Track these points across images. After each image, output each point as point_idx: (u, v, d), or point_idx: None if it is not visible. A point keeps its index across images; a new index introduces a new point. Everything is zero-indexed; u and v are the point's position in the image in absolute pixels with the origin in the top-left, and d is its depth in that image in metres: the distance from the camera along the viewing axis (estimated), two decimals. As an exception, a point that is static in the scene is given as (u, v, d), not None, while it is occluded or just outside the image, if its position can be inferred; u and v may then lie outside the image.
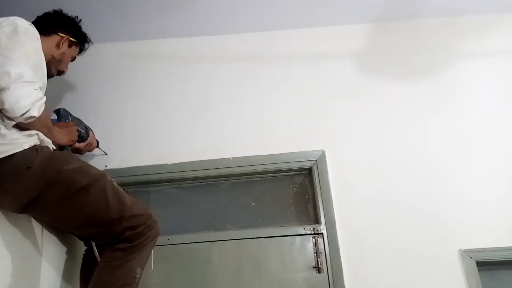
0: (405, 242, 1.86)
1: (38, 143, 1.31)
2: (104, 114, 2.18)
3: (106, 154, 2.09)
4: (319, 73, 2.21)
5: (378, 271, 1.83)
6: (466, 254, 1.82)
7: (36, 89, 1.28)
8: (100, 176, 1.36)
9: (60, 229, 1.50)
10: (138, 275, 1.34)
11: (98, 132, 2.03)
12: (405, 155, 2.02)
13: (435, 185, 1.96)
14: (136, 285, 1.35)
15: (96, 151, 2.04)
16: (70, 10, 1.78)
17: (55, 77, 2.15)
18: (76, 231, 1.43)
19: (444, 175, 1.97)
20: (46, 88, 2.07)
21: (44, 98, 1.32)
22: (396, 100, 2.14)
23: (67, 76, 2.19)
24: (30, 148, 1.26)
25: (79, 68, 2.23)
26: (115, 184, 1.42)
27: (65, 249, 1.67)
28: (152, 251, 1.85)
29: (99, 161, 2.08)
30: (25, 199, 1.25)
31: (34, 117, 1.26)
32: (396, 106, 2.13)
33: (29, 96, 1.25)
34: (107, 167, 2.07)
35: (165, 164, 2.06)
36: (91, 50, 2.23)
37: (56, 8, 1.75)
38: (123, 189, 2.06)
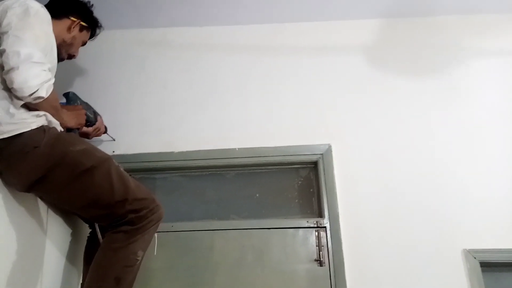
0: (408, 239, 1.85)
1: (46, 124, 1.32)
2: (113, 100, 2.19)
3: (114, 140, 2.10)
4: (327, 66, 2.20)
5: (380, 267, 1.82)
6: (470, 254, 1.80)
7: (44, 70, 1.30)
8: (106, 159, 1.38)
9: (65, 210, 1.52)
10: (139, 258, 1.35)
11: (106, 118, 2.03)
12: (411, 151, 2.01)
13: (440, 183, 1.94)
14: (137, 267, 1.37)
15: (104, 136, 2.06)
16: None
17: (66, 62, 2.17)
18: (81, 212, 1.45)
19: (450, 173, 1.96)
20: (56, 72, 2.11)
21: (53, 80, 1.34)
22: (404, 95, 2.12)
23: (77, 61, 2.23)
24: (37, 128, 1.28)
25: (90, 54, 2.26)
26: (120, 168, 1.42)
27: (70, 230, 1.69)
28: (156, 236, 1.88)
29: (106, 147, 2.10)
30: (31, 178, 1.27)
31: (42, 97, 1.28)
32: (404, 101, 2.11)
33: (38, 76, 1.27)
34: (115, 153, 2.08)
35: (172, 152, 2.07)
36: (101, 37, 2.25)
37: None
38: (129, 175, 2.11)
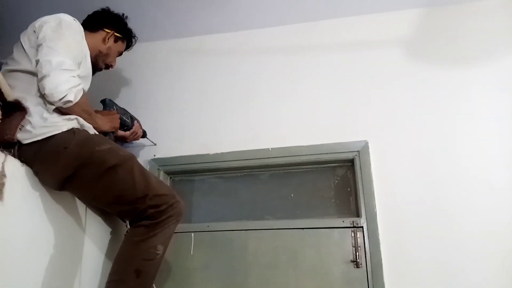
0: (453, 238, 1.72)
1: (77, 127, 1.42)
2: (154, 108, 2.30)
3: (155, 144, 2.20)
4: (363, 61, 2.13)
5: (420, 269, 1.71)
6: (524, 254, 1.62)
7: (74, 76, 1.40)
8: (129, 157, 1.45)
9: (94, 206, 1.61)
10: (159, 252, 1.39)
11: (148, 124, 2.15)
12: (455, 146, 1.87)
13: (488, 178, 1.78)
14: (158, 261, 1.41)
15: (145, 141, 2.17)
16: (121, 10, 1.90)
17: (112, 74, 2.36)
18: (107, 208, 1.53)
19: (499, 167, 1.79)
20: (103, 82, 2.27)
21: (82, 85, 1.44)
22: (446, 87, 1.98)
23: (122, 72, 2.39)
24: (68, 130, 1.38)
25: (133, 65, 2.41)
26: (142, 166, 1.49)
27: (109, 229, 1.78)
28: (193, 235, 1.95)
29: (148, 151, 2.21)
30: (62, 176, 1.37)
31: (71, 101, 1.38)
32: (446, 93, 1.97)
33: (67, 82, 1.38)
34: (156, 156, 2.19)
35: (207, 154, 2.12)
36: (143, 48, 2.42)
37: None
38: (170, 177, 2.19)
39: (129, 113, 1.95)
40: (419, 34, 2.11)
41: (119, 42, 1.83)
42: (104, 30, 1.75)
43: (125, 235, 1.68)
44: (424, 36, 2.11)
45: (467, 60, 2.00)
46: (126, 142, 1.96)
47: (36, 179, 1.40)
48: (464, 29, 2.06)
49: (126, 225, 1.71)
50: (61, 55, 1.40)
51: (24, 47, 1.46)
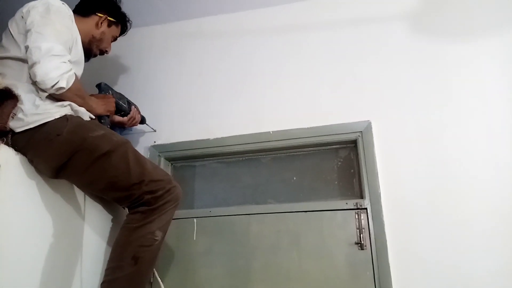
0: (458, 217, 1.68)
1: (70, 113, 1.40)
2: (153, 93, 2.27)
3: (155, 131, 2.18)
4: (365, 37, 2.06)
5: (426, 249, 1.67)
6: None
7: (64, 62, 1.37)
8: (123, 143, 1.42)
9: (90, 193, 1.59)
10: (158, 238, 1.37)
11: (147, 110, 2.12)
12: (461, 125, 1.81)
13: (495, 158, 1.72)
14: (157, 248, 1.39)
15: (145, 127, 2.15)
16: None
17: (110, 61, 2.33)
18: (103, 195, 1.52)
19: (505, 148, 1.73)
20: (101, 68, 2.24)
21: (73, 71, 1.41)
22: (453, 63, 1.91)
23: (119, 58, 2.36)
24: (60, 117, 1.36)
25: (131, 50, 2.38)
26: (138, 151, 1.46)
27: (109, 216, 1.76)
28: (195, 221, 1.93)
29: (148, 138, 2.19)
30: (56, 164, 1.35)
31: (63, 88, 1.36)
32: (453, 70, 1.90)
33: (58, 68, 1.35)
34: (156, 143, 2.16)
35: (208, 139, 2.09)
36: (140, 33, 2.38)
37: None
38: (171, 163, 2.17)
39: (126, 98, 1.92)
40: (424, 7, 2.03)
41: (113, 27, 1.78)
42: (97, 15, 1.71)
43: (123, 221, 1.68)
44: (429, 9, 2.02)
45: (475, 34, 1.92)
46: (124, 128, 1.93)
47: (32, 168, 1.39)
48: (472, 1, 1.97)
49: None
50: (51, 41, 1.37)
51: (13, 33, 1.43)
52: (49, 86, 1.33)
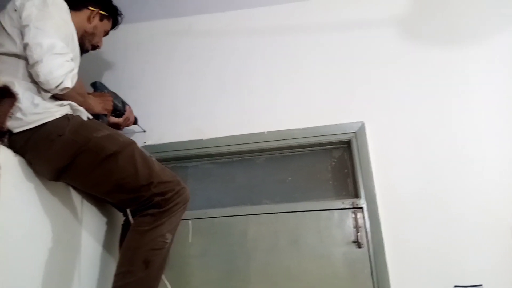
0: (450, 215, 1.75)
1: (70, 112, 1.34)
2: (143, 92, 2.21)
3: (145, 131, 2.12)
4: (358, 40, 2.10)
5: (421, 246, 1.74)
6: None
7: (67, 60, 1.31)
8: (129, 143, 1.38)
9: (98, 198, 1.54)
10: (168, 241, 1.34)
11: (137, 109, 2.05)
12: (451, 126, 1.89)
13: (483, 157, 1.81)
14: (167, 251, 1.36)
15: (135, 128, 2.09)
16: None
17: (97, 56, 2.25)
18: (108, 197, 1.46)
19: (493, 148, 1.82)
20: (88, 65, 2.15)
21: (76, 69, 1.35)
22: (443, 66, 1.98)
23: (107, 54, 2.28)
24: (61, 117, 1.30)
25: (119, 47, 2.30)
26: (144, 152, 1.42)
27: (105, 219, 1.72)
28: (190, 223, 1.90)
29: (138, 138, 2.10)
30: (58, 165, 1.29)
31: (68, 88, 1.30)
32: (442, 74, 1.97)
33: (62, 67, 1.28)
34: (146, 143, 2.11)
35: (201, 139, 2.06)
36: (130, 29, 2.30)
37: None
38: (163, 164, 2.12)
39: (120, 97, 1.86)
40: (415, 13, 2.09)
41: (105, 21, 1.72)
42: (89, 8, 1.63)
43: (122, 224, 1.64)
44: (420, 15, 2.09)
45: (464, 39, 2.00)
46: (119, 129, 1.87)
47: (30, 170, 1.32)
48: (461, 8, 2.06)
49: (123, 215, 1.65)
50: (51, 37, 1.30)
51: (5, 27, 1.34)
52: (53, 86, 1.27)
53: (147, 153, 2.03)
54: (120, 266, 1.32)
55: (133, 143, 1.39)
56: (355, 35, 2.11)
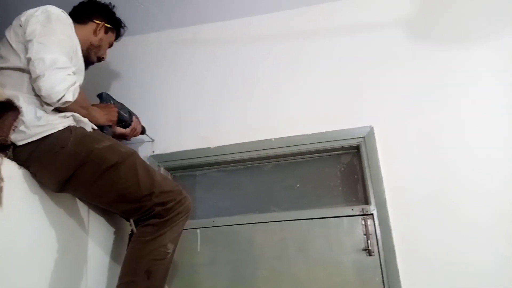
0: (463, 219, 1.70)
1: (73, 124, 1.35)
2: (150, 102, 2.23)
3: (153, 141, 2.14)
4: (364, 44, 2.07)
5: (434, 253, 1.68)
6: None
7: (69, 75, 1.33)
8: (131, 154, 1.38)
9: (97, 205, 1.54)
10: (170, 251, 1.34)
11: (144, 119, 2.07)
12: (462, 127, 1.83)
13: (496, 159, 1.75)
14: (169, 260, 1.35)
15: (143, 137, 2.10)
16: (112, 1, 1.81)
17: (105, 68, 2.28)
18: (111, 208, 1.47)
19: (505, 149, 1.75)
20: (96, 76, 2.19)
21: (78, 82, 1.37)
22: (451, 67, 1.93)
23: (115, 66, 2.31)
24: (64, 129, 1.31)
25: (126, 59, 2.33)
26: (146, 162, 1.43)
27: (112, 229, 1.72)
28: (198, 232, 1.90)
29: (146, 148, 2.15)
30: (61, 177, 1.30)
31: (70, 101, 1.32)
32: (451, 74, 1.92)
33: (63, 81, 1.30)
34: (155, 153, 2.12)
35: (208, 148, 2.06)
36: (135, 41, 2.35)
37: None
38: (171, 173, 2.13)
39: (127, 108, 1.88)
40: (421, 14, 2.05)
41: (110, 33, 1.75)
42: (94, 22, 1.66)
43: (129, 234, 1.64)
44: (427, 15, 2.04)
45: (472, 39, 1.94)
46: (126, 139, 1.88)
47: (35, 182, 1.34)
48: (468, 7, 2.00)
49: (130, 224, 1.65)
50: (54, 52, 1.32)
51: (11, 42, 1.37)
52: (55, 100, 1.29)
53: (155, 163, 2.06)
54: (122, 276, 1.32)
55: (134, 153, 1.40)
56: (361, 38, 2.08)
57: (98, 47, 1.68)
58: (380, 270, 1.71)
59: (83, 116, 1.41)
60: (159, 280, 1.32)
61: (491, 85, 1.86)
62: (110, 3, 1.76)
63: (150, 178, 1.37)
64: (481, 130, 1.81)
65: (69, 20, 1.46)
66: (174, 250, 1.36)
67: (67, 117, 1.35)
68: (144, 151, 2.13)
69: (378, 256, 1.74)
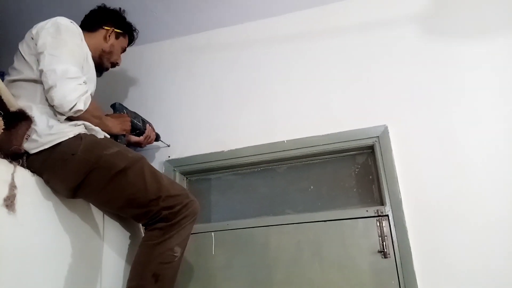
0: (482, 220, 1.63)
1: (84, 132, 1.39)
2: (166, 108, 2.27)
3: (168, 146, 2.17)
4: (377, 42, 2.03)
5: (453, 254, 1.62)
6: None
7: (80, 84, 1.37)
8: (138, 159, 1.41)
9: (108, 211, 1.58)
10: (177, 254, 1.35)
11: (160, 125, 2.12)
12: (481, 124, 1.76)
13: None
14: (177, 264, 1.37)
15: (159, 143, 2.14)
16: (126, 10, 1.83)
17: (121, 78, 2.35)
18: (121, 213, 1.50)
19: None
20: (112, 84, 2.24)
21: (89, 91, 1.41)
22: (469, 62, 1.86)
23: (131, 75, 2.37)
24: (74, 136, 1.35)
25: (142, 67, 2.39)
26: (153, 166, 1.45)
27: (127, 234, 1.75)
28: (213, 235, 1.91)
29: (162, 153, 2.19)
30: (73, 184, 1.34)
31: (81, 110, 1.36)
32: (469, 69, 1.85)
33: (75, 91, 1.35)
34: (170, 157, 2.15)
35: (222, 151, 2.07)
36: (150, 49, 2.40)
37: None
38: (187, 177, 2.16)
39: (141, 116, 1.92)
40: (435, 8, 1.99)
41: (121, 38, 1.78)
42: (104, 28, 1.70)
43: (141, 239, 1.66)
44: (440, 10, 1.98)
45: (487, 33, 1.87)
46: (141, 147, 1.93)
47: (48, 188, 1.38)
48: (482, 0, 1.93)
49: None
50: (65, 62, 1.37)
51: (24, 55, 1.44)
52: (67, 109, 1.33)
53: (171, 167, 2.09)
54: (130, 279, 1.35)
55: (142, 158, 1.42)
56: (374, 36, 2.04)
57: (110, 52, 1.72)
58: (396, 272, 1.67)
59: (96, 125, 1.45)
60: (166, 284, 1.33)
61: (510, 80, 1.78)
62: (120, 8, 1.79)
63: (157, 182, 1.39)
64: (500, 126, 1.73)
65: (78, 30, 1.51)
66: (182, 254, 1.38)
67: (78, 125, 1.39)
68: (160, 156, 2.18)
69: (394, 258, 1.69)
